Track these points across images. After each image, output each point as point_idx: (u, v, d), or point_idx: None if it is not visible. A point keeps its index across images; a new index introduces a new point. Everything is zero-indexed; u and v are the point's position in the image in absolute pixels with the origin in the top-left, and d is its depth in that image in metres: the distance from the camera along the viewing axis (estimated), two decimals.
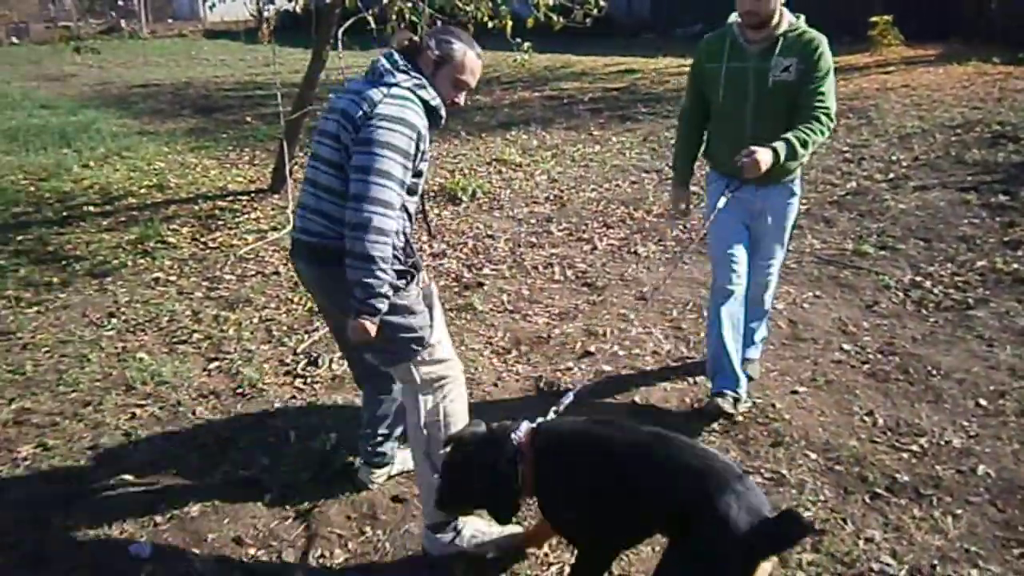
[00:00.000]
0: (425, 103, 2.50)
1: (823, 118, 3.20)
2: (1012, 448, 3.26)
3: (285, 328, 4.48)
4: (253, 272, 5.28)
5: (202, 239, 5.93)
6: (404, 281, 2.54)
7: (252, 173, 7.90)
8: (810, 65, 3.20)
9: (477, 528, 2.74)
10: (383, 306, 2.38)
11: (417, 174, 2.51)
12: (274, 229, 6.07)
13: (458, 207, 6.69)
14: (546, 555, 2.72)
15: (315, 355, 4.13)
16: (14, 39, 24.27)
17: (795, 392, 3.72)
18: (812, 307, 4.65)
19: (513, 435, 2.33)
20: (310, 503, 3.00)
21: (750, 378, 3.64)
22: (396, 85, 2.46)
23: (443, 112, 2.58)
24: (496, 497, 2.34)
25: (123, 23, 27.41)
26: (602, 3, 5.74)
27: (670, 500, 2.13)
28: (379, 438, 3.02)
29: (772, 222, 3.49)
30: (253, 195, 7.08)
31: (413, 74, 2.51)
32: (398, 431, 3.04)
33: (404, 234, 2.54)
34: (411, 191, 2.51)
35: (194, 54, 20.80)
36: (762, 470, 3.15)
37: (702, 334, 4.31)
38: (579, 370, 3.90)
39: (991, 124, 8.96)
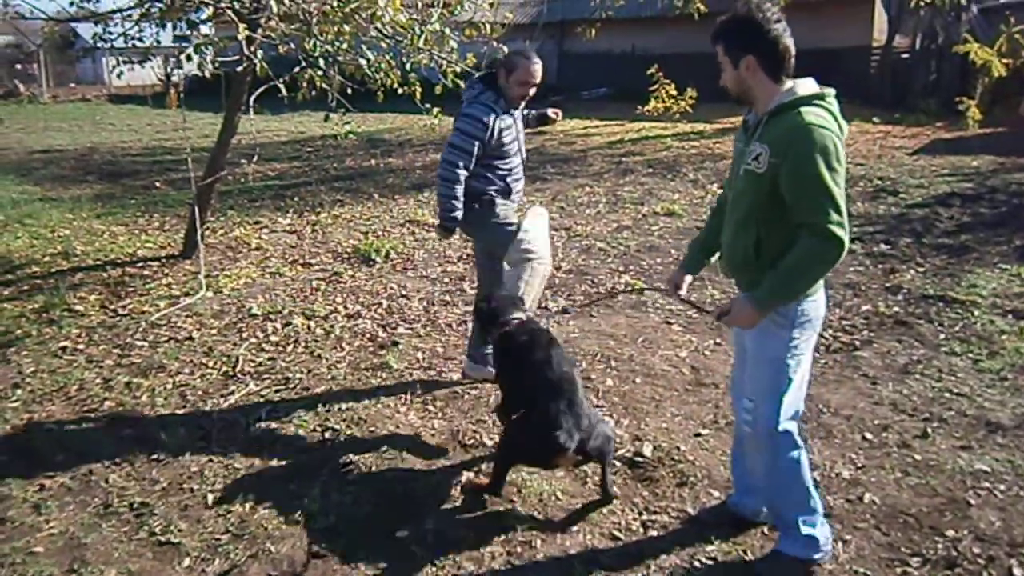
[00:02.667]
0: (492, 101, 3.99)
1: (811, 234, 2.47)
2: (895, 476, 3.53)
3: (200, 393, 4.47)
4: (166, 338, 5.24)
5: (111, 306, 5.85)
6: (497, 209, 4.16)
7: (162, 239, 7.83)
8: (783, 159, 2.47)
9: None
10: (448, 225, 4.11)
11: (496, 143, 4.01)
12: (186, 294, 6.04)
13: (372, 268, 6.79)
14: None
15: (231, 419, 4.13)
16: None
17: (698, 435, 3.93)
18: (713, 354, 4.92)
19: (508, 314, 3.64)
20: (229, 564, 3.01)
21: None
22: (467, 99, 4.09)
23: (502, 102, 4.03)
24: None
25: (22, 87, 26.74)
26: None
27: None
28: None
29: (750, 350, 2.87)
30: (164, 261, 7.03)
31: (478, 87, 4.08)
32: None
33: (498, 180, 4.13)
34: (498, 156, 4.08)
35: (99, 119, 20.45)
36: (669, 510, 3.32)
37: (609, 382, 4.52)
38: (493, 423, 4.03)
39: (872, 179, 9.64)
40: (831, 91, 2.57)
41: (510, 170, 4.18)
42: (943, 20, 17.10)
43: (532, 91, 4.06)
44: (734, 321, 2.71)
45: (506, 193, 4.18)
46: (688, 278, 3.18)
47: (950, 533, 3.12)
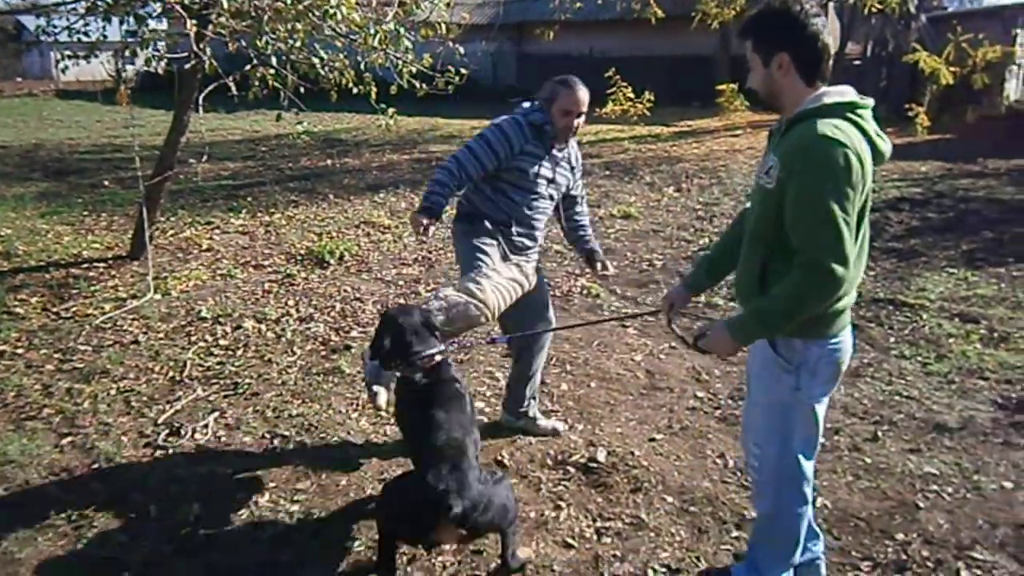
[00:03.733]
0: (531, 123, 3.52)
1: (802, 265, 2.16)
2: (846, 480, 3.56)
3: (145, 399, 4.34)
4: (111, 342, 5.09)
5: (54, 309, 5.66)
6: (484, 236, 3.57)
7: (110, 239, 7.62)
8: (790, 174, 2.16)
9: None
10: (421, 208, 3.39)
11: (515, 167, 3.51)
12: (133, 297, 5.88)
13: (326, 270, 6.69)
14: None
15: (177, 425, 4.02)
16: None
17: (653, 440, 3.92)
18: (668, 358, 4.92)
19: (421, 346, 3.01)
20: None
21: None
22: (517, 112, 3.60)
23: (548, 128, 3.53)
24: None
25: None
26: (464, 71, 5.96)
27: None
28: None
29: (753, 391, 2.61)
30: (111, 262, 6.83)
31: (527, 106, 3.59)
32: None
33: (503, 211, 3.58)
34: (514, 184, 3.55)
35: (46, 115, 19.94)
36: (623, 516, 3.29)
37: (564, 386, 4.49)
38: None
39: None
40: (868, 102, 2.24)
41: (524, 208, 3.59)
42: (893, 28, 17.45)
43: (579, 121, 3.54)
44: (709, 347, 2.45)
45: (506, 227, 3.60)
46: (683, 294, 2.84)
47: (900, 536, 3.15)
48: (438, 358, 3.03)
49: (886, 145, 2.27)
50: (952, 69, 14.62)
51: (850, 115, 2.19)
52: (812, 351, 2.34)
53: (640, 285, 6.32)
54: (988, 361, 4.76)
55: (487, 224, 3.59)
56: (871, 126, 2.22)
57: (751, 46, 2.32)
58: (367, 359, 3.26)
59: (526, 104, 3.61)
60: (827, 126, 2.12)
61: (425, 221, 3.34)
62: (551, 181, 3.63)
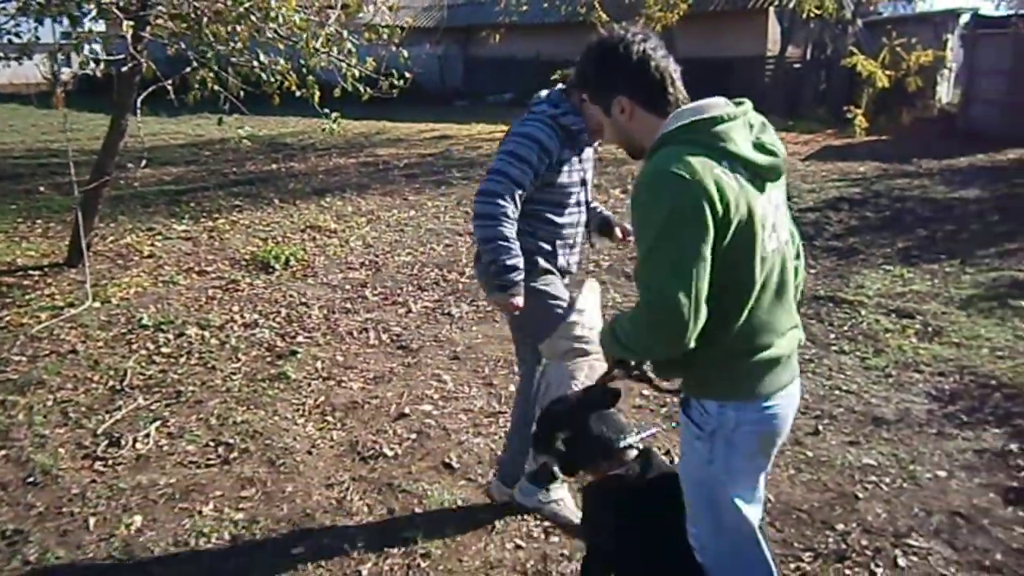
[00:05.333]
0: (563, 127, 2.85)
1: (641, 294, 1.86)
2: (788, 474, 3.63)
3: (84, 409, 4.23)
4: (47, 352, 4.95)
5: None
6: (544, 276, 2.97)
7: (46, 246, 7.41)
8: (632, 209, 1.88)
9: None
10: (507, 282, 2.77)
11: (548, 183, 2.89)
12: (71, 305, 5.72)
13: (271, 276, 6.59)
14: None
15: (117, 435, 3.93)
16: None
17: None
18: None
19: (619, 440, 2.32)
20: None
21: None
22: (532, 110, 2.91)
23: (584, 136, 2.91)
24: None
25: None
26: (407, 75, 5.94)
27: None
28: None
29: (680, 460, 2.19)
30: (46, 269, 6.65)
31: (553, 105, 2.88)
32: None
33: (546, 239, 2.98)
34: (554, 201, 2.94)
35: None
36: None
37: (512, 387, 4.50)
38: (394, 432, 3.95)
39: None
40: (735, 112, 1.88)
41: (564, 225, 3.02)
42: (831, 32, 17.89)
43: None
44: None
45: (553, 256, 3.02)
46: None
47: (840, 527, 3.23)
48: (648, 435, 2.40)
49: (767, 158, 1.89)
50: (888, 72, 15.04)
51: (709, 135, 1.83)
52: (728, 416, 1.94)
53: None
54: (923, 355, 4.90)
55: (538, 258, 2.99)
56: (742, 141, 1.86)
57: (588, 100, 2.11)
58: (521, 489, 3.15)
59: (543, 101, 2.94)
60: (666, 158, 1.81)
61: (519, 301, 2.82)
62: (584, 183, 3.06)
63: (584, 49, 2.07)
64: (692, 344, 1.81)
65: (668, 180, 1.77)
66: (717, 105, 1.88)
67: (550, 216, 2.97)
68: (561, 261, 3.05)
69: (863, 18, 18.30)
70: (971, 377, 4.59)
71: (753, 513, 2.06)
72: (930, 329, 5.31)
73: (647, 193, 1.82)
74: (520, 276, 2.79)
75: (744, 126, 1.88)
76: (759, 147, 1.88)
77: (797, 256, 2.15)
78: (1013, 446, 3.84)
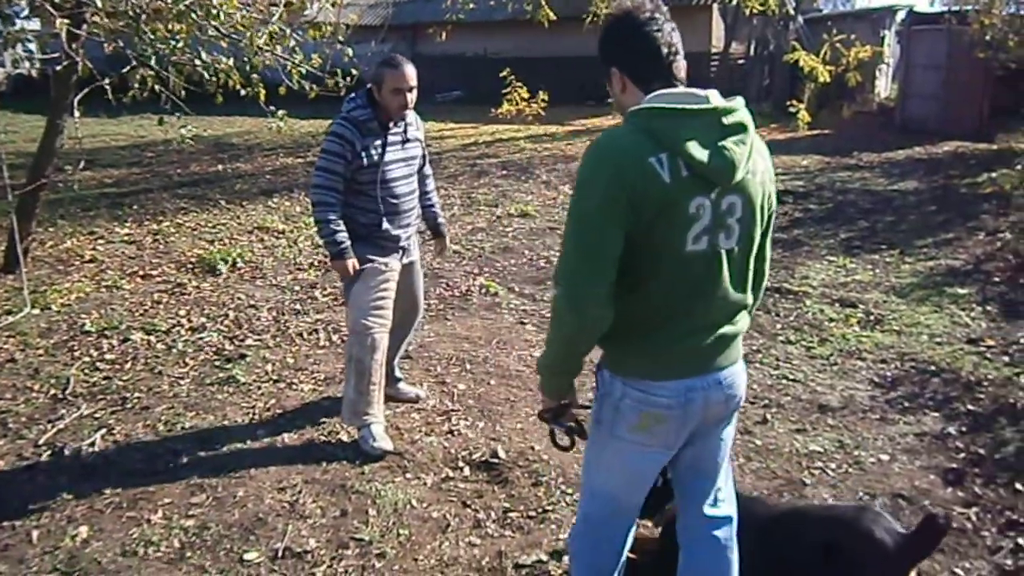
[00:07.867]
0: (354, 120, 3.58)
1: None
2: (738, 463, 3.69)
3: (24, 419, 4.11)
4: None
5: None
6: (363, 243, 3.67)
7: None
8: None
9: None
10: (339, 252, 3.56)
11: (358, 169, 3.57)
12: (8, 312, 5.56)
13: (218, 278, 6.49)
14: None
15: (60, 445, 3.83)
16: None
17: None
18: None
19: None
20: None
21: None
22: (341, 111, 3.66)
23: (373, 123, 3.61)
24: None
25: None
26: (353, 72, 5.88)
27: None
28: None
29: None
30: None
31: (351, 103, 3.65)
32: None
33: (370, 210, 3.66)
34: (363, 181, 3.61)
35: None
36: (525, 510, 3.33)
37: (462, 386, 4.50)
38: (346, 433, 3.92)
39: None
40: (689, 107, 1.84)
41: (383, 198, 3.69)
42: (774, 29, 18.22)
43: (412, 96, 3.61)
44: None
45: (378, 225, 3.70)
46: None
47: None
48: None
49: (717, 161, 1.82)
50: (828, 68, 15.34)
51: (659, 122, 1.83)
52: (616, 386, 2.02)
53: (538, 282, 6.38)
54: (865, 343, 5.03)
55: (362, 232, 3.68)
56: (695, 138, 1.81)
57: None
58: None
59: (348, 101, 3.69)
60: (609, 133, 1.88)
61: (351, 264, 3.59)
62: (404, 160, 3.75)
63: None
64: (597, 311, 1.86)
65: (593, 151, 1.86)
66: (688, 98, 1.88)
67: (370, 191, 3.64)
68: (387, 227, 3.69)
69: (804, 15, 18.68)
70: (911, 363, 4.73)
71: (625, 495, 2.18)
72: (872, 318, 5.45)
73: (583, 158, 1.88)
74: (347, 246, 3.56)
75: (711, 125, 1.85)
76: (718, 150, 1.83)
77: (755, 287, 2.11)
78: (951, 429, 3.97)
